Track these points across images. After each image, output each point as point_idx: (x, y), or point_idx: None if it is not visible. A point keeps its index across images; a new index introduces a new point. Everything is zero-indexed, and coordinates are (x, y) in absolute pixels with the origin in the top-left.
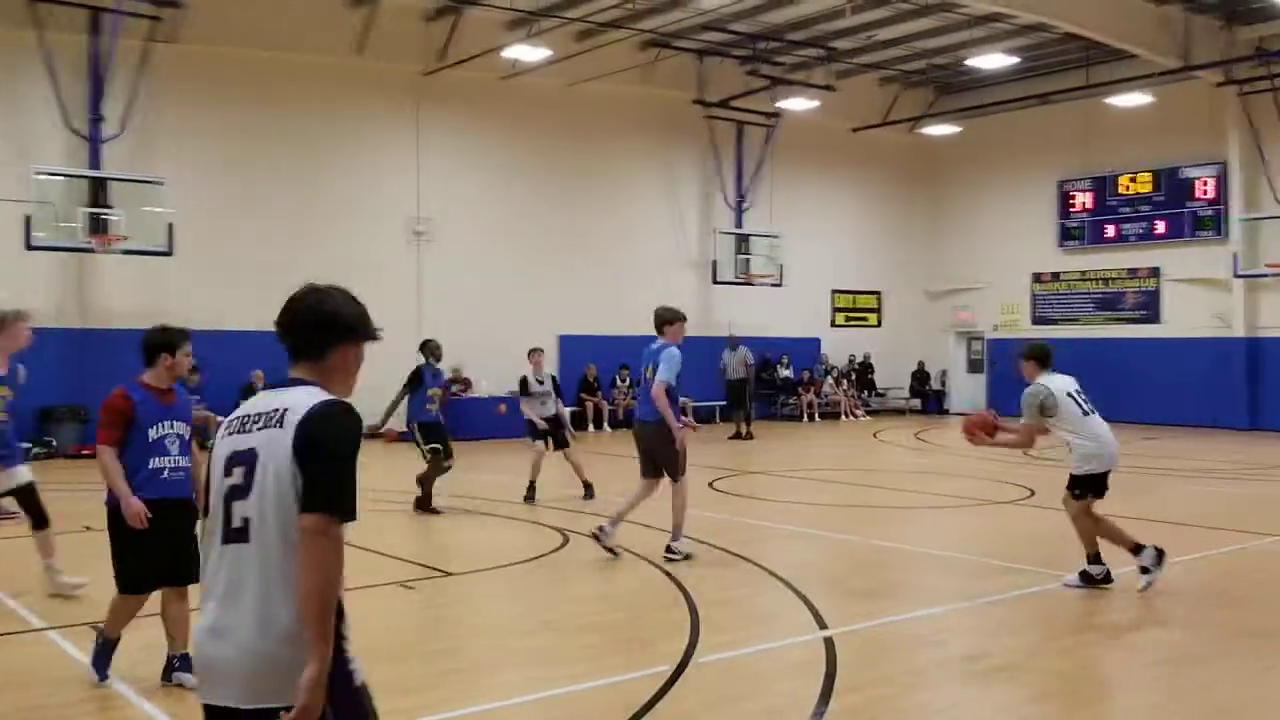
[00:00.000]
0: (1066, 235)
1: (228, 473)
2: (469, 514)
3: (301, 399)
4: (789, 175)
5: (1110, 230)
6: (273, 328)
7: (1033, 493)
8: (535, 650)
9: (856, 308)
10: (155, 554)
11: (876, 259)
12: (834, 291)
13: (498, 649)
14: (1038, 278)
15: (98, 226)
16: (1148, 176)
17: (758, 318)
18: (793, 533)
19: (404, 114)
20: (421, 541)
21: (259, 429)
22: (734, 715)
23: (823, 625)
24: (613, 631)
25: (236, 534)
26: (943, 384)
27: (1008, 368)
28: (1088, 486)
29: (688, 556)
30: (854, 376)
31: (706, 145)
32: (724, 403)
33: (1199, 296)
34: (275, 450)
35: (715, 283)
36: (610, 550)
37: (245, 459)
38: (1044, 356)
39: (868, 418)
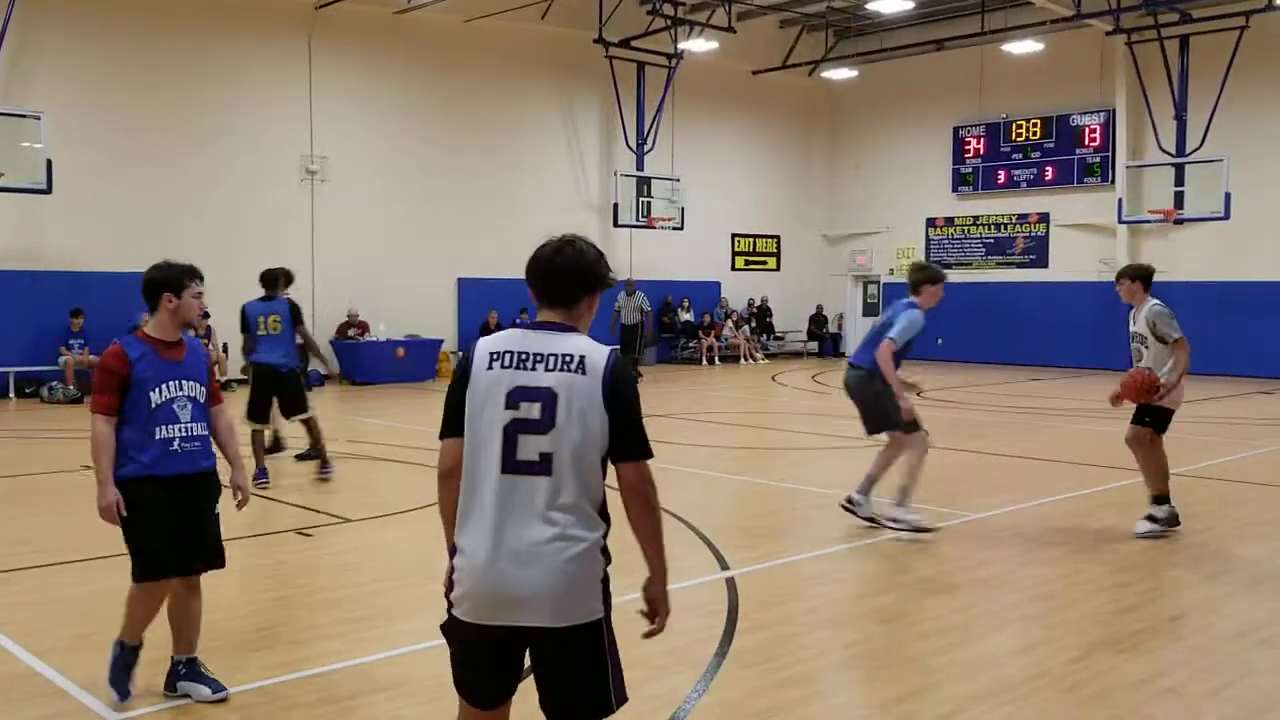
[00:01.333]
0: (960, 180)
1: (512, 405)
2: (366, 459)
3: (590, 348)
4: (690, 118)
5: (1002, 176)
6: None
7: (926, 433)
8: (433, 596)
9: (756, 252)
10: (169, 538)
11: (776, 203)
12: (734, 235)
13: (399, 595)
14: (932, 222)
15: None
16: (1039, 123)
17: (659, 261)
18: (692, 475)
19: (296, 48)
20: (317, 488)
21: (550, 370)
22: (637, 657)
23: (724, 566)
24: None
25: (528, 466)
26: (839, 327)
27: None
28: (1162, 419)
29: (920, 529)
30: (753, 320)
31: (607, 86)
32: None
33: (1086, 242)
34: (580, 393)
35: (616, 226)
36: (872, 521)
37: (540, 396)
38: (1149, 278)
39: (766, 361)
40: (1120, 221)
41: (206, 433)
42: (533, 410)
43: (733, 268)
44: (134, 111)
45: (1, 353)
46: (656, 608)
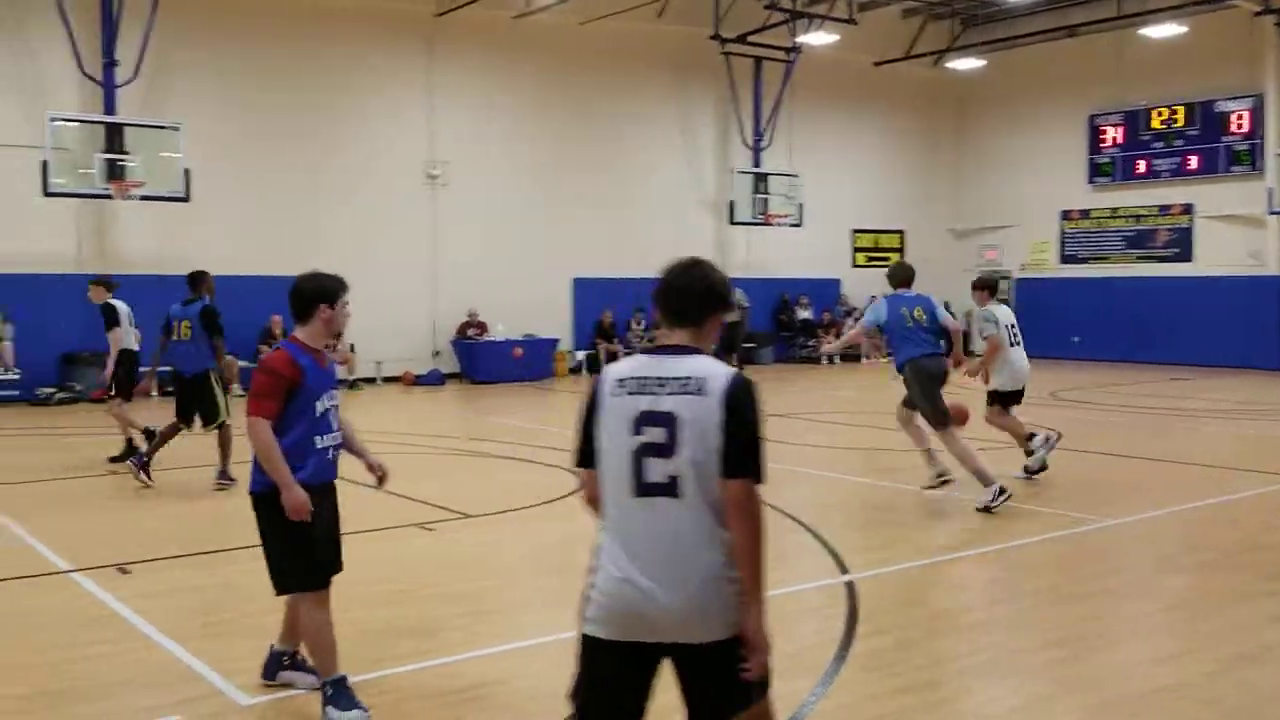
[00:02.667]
0: (1097, 171)
1: (638, 431)
2: (486, 457)
3: (712, 368)
4: (808, 112)
5: (1142, 166)
6: (284, 272)
7: (1059, 435)
8: (554, 591)
9: (879, 247)
10: (329, 543)
11: (899, 197)
12: (855, 231)
13: (518, 590)
14: (1067, 215)
15: (114, 172)
16: (1181, 110)
17: (776, 259)
18: (810, 475)
19: (417, 55)
20: (439, 484)
21: (671, 394)
22: None
23: (843, 569)
24: None
25: (657, 489)
26: (968, 324)
27: (1034, 308)
28: (998, 399)
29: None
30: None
31: (723, 83)
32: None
33: (1233, 234)
34: (699, 415)
35: (732, 223)
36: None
37: (662, 420)
38: (995, 287)
39: (888, 360)
40: (1271, 212)
41: (341, 440)
42: (658, 435)
43: (853, 264)
44: (264, 121)
45: (145, 353)
46: (754, 643)
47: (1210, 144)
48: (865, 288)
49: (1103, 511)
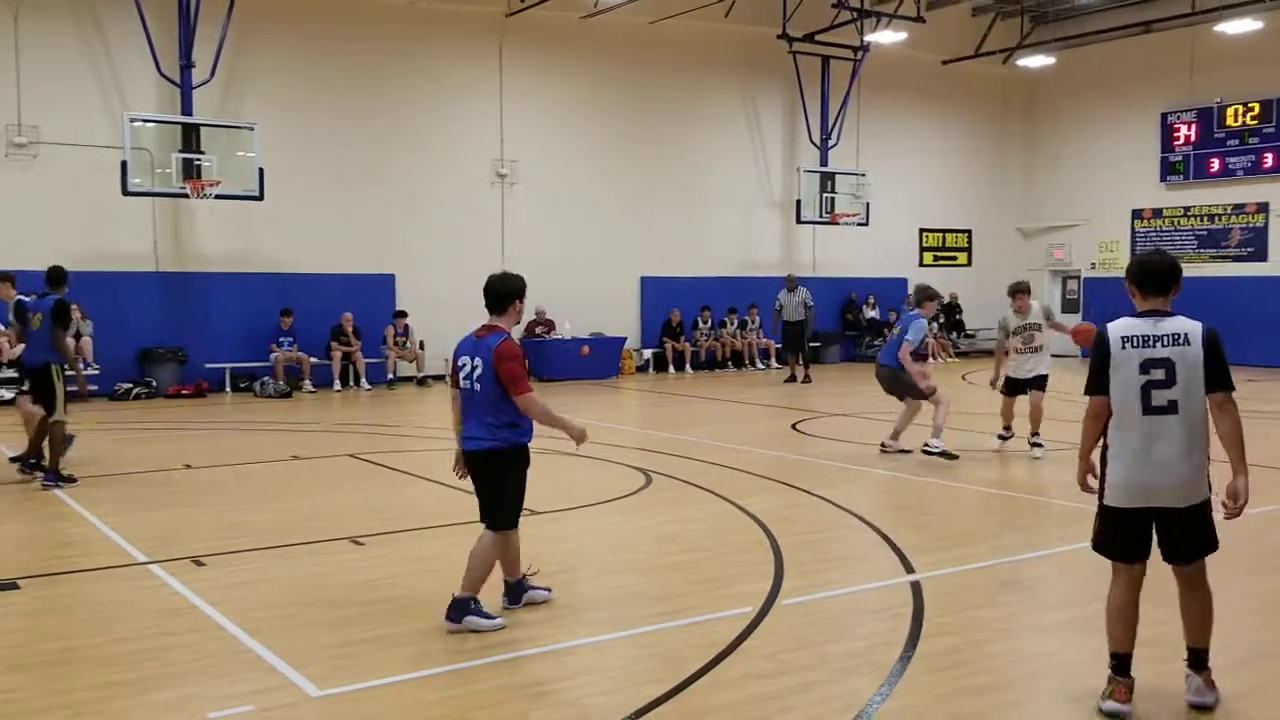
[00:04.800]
0: (1169, 169)
1: (1145, 371)
2: (554, 454)
3: (1190, 325)
4: (876, 111)
5: (1215, 164)
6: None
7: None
8: (620, 589)
9: (946, 247)
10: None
11: (967, 196)
12: (922, 230)
13: (582, 587)
14: (1138, 214)
15: (190, 172)
16: (1256, 107)
17: (843, 257)
18: (877, 475)
19: (487, 55)
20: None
21: (1166, 346)
22: (819, 657)
23: (909, 569)
24: (694, 571)
25: (1161, 409)
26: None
27: (1104, 309)
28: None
29: (946, 454)
30: (942, 317)
31: (791, 81)
32: (779, 345)
33: None
34: (1189, 358)
35: (799, 222)
36: (903, 451)
37: (1162, 364)
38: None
39: (956, 360)
40: None
41: None
42: (1158, 373)
43: (920, 263)
44: (336, 121)
45: (218, 350)
46: (1238, 494)
47: None
48: (934, 286)
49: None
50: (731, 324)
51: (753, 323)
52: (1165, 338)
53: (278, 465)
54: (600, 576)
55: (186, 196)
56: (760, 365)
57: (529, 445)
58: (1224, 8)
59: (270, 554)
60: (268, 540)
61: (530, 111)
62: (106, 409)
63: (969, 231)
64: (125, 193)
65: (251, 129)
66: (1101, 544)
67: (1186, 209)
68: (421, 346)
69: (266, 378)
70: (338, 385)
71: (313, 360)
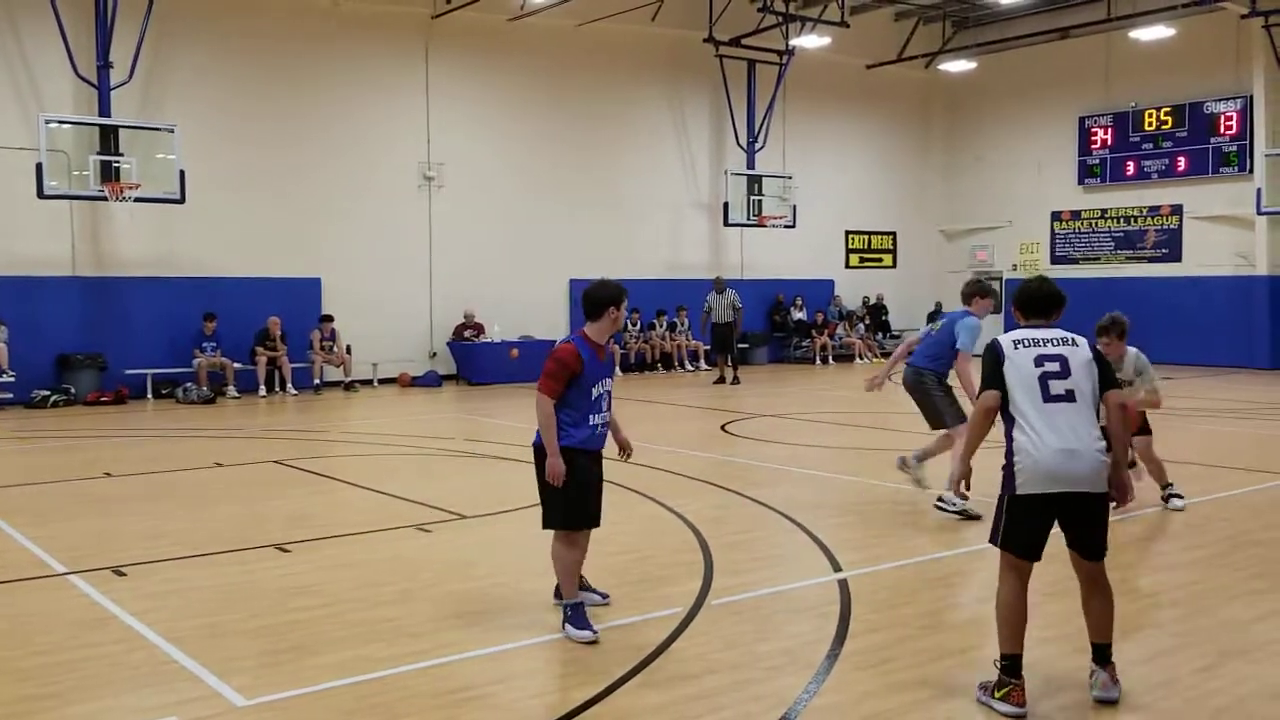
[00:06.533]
0: (1087, 172)
1: (1039, 365)
2: (482, 458)
3: (1072, 335)
4: (801, 114)
5: (1131, 167)
6: (281, 274)
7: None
8: (549, 592)
9: (871, 249)
10: (590, 497)
11: (891, 198)
12: (847, 232)
13: (511, 590)
14: (1058, 216)
15: (109, 174)
16: (1170, 111)
17: (770, 260)
18: (805, 475)
19: (413, 57)
20: (436, 485)
21: (1056, 346)
22: (748, 657)
23: (837, 567)
24: (624, 574)
25: (1058, 398)
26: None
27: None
28: None
29: (966, 514)
30: (867, 318)
31: (717, 85)
32: (708, 347)
33: (1221, 234)
34: (1078, 357)
35: (726, 225)
36: (919, 482)
37: (1055, 360)
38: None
39: (881, 360)
40: (1260, 213)
41: (609, 418)
42: (1051, 366)
43: (847, 265)
44: (260, 123)
45: (139, 355)
46: (1121, 487)
47: (1199, 145)
48: (858, 289)
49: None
50: (660, 326)
51: (681, 325)
52: (1052, 341)
53: (201, 472)
54: (529, 579)
55: (105, 199)
56: (689, 367)
57: (574, 447)
58: (1138, 14)
59: (193, 563)
60: (191, 549)
61: (457, 114)
62: (23, 417)
63: (894, 233)
64: (41, 195)
65: (172, 130)
66: (1011, 539)
67: (1104, 211)
68: (348, 351)
69: (189, 384)
70: (263, 391)
71: (237, 365)
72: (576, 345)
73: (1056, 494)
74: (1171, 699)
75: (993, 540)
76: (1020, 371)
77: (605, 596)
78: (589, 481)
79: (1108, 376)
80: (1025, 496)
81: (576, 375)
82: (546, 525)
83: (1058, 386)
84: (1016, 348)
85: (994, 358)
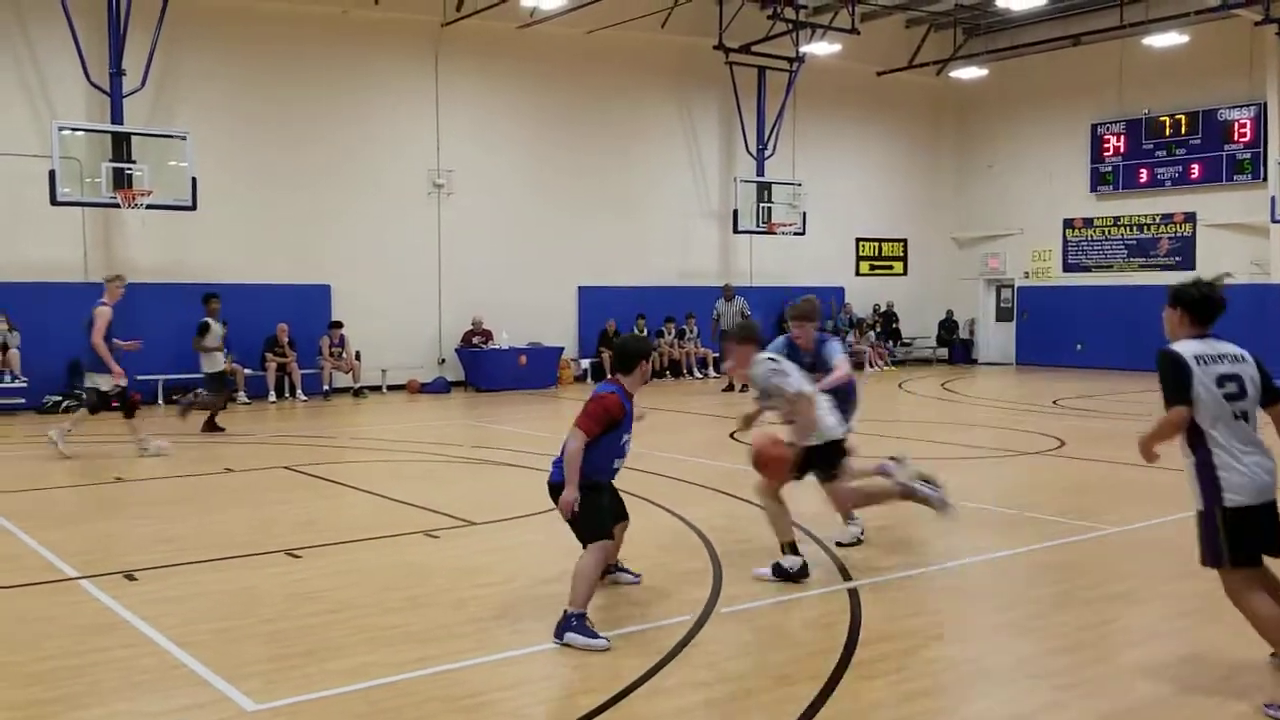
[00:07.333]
0: (1099, 180)
1: (1221, 385)
2: (490, 464)
3: (1238, 350)
4: (812, 121)
5: (1144, 174)
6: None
7: (1063, 443)
8: (557, 598)
9: (882, 256)
10: (610, 512)
11: (902, 206)
12: (858, 239)
13: (520, 597)
14: (1070, 224)
15: (121, 181)
16: (1183, 118)
17: (779, 267)
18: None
19: (423, 65)
20: (444, 492)
21: (1232, 362)
22: (757, 665)
23: (847, 577)
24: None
25: (1241, 416)
26: (971, 333)
27: (1038, 316)
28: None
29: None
30: (878, 326)
31: (727, 92)
32: (717, 354)
33: (1236, 242)
34: (1249, 373)
35: (736, 232)
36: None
37: (1235, 379)
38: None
39: (893, 368)
40: (1274, 220)
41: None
42: (1232, 387)
43: (857, 272)
44: (271, 130)
45: (150, 361)
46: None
47: (1212, 152)
48: (869, 296)
49: (1106, 519)
50: (669, 333)
51: (690, 332)
52: (1228, 358)
53: (211, 478)
54: (538, 586)
55: (117, 206)
56: (698, 374)
57: (590, 479)
58: (1151, 21)
59: (204, 568)
60: (201, 554)
61: (467, 121)
62: (34, 422)
63: (904, 240)
64: (54, 202)
65: (184, 138)
66: (1236, 550)
67: (1116, 219)
68: (358, 357)
69: (200, 389)
70: (272, 396)
71: (247, 371)
72: (620, 397)
73: (1260, 505)
74: (1183, 710)
75: (1214, 564)
76: (1210, 391)
77: (637, 577)
78: (600, 487)
79: (1270, 387)
80: (1237, 509)
81: (617, 424)
82: (589, 540)
83: (1239, 406)
84: (1199, 364)
85: (1183, 371)
